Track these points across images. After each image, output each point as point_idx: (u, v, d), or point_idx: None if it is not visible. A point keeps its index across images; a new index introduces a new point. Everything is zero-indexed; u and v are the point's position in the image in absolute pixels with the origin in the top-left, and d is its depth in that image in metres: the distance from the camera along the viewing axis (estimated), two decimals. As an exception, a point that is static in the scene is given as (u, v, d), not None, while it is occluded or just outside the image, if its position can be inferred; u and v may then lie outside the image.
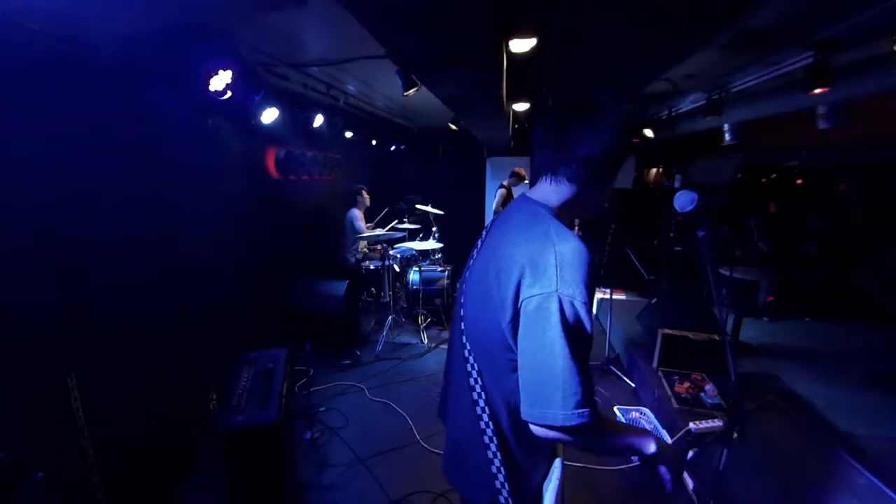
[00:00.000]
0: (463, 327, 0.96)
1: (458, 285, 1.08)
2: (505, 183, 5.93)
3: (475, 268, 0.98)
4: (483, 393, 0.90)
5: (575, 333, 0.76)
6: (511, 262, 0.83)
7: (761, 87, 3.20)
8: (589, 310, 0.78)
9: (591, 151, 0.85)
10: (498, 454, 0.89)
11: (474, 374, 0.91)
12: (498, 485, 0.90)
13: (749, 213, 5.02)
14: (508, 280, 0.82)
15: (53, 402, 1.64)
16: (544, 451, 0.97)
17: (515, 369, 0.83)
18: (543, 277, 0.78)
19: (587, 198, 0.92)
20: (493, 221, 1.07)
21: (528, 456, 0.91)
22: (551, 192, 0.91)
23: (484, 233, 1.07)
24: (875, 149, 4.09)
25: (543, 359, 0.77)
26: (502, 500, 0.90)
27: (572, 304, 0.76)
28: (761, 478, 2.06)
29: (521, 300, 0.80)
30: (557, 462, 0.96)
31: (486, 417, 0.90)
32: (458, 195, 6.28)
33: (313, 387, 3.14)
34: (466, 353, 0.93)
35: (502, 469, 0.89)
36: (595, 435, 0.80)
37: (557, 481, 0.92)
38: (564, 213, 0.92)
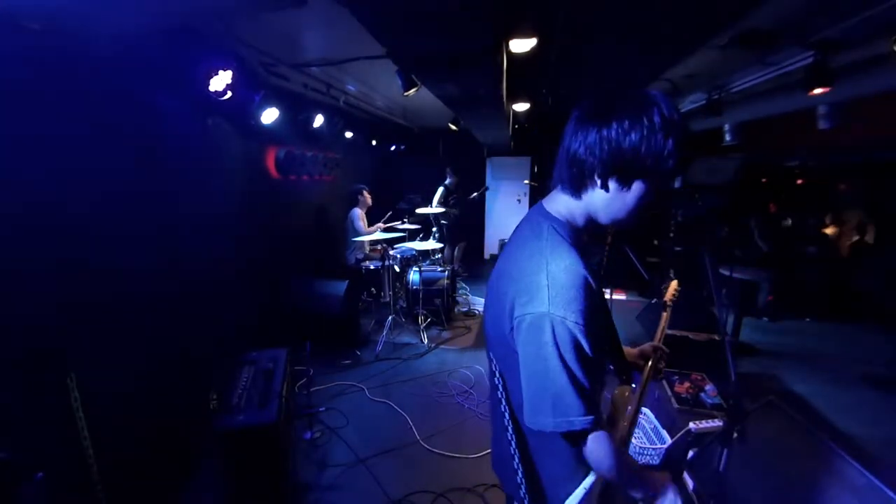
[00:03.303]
0: (486, 332, 1.02)
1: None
2: (447, 183, 5.88)
3: (492, 277, 1.02)
4: (504, 393, 0.94)
5: (569, 351, 0.77)
6: (509, 278, 0.87)
7: (761, 87, 3.21)
8: (584, 330, 0.77)
9: (598, 177, 0.82)
10: (517, 451, 0.93)
11: (497, 374, 0.96)
12: (518, 479, 0.94)
13: (749, 213, 5.02)
14: (506, 294, 0.86)
15: (53, 402, 1.63)
16: (563, 455, 0.93)
17: None
18: (536, 298, 0.79)
19: (598, 211, 0.88)
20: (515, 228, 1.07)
21: (546, 457, 0.94)
22: (561, 201, 0.92)
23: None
24: (875, 149, 4.09)
25: (537, 368, 0.79)
26: (522, 494, 0.94)
27: (564, 325, 0.76)
28: (761, 478, 2.06)
29: (514, 317, 0.83)
30: (592, 474, 0.95)
31: (507, 416, 0.94)
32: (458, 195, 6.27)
33: (313, 387, 3.14)
34: (491, 355, 0.98)
35: (521, 465, 0.93)
36: (600, 446, 0.81)
37: (584, 490, 0.91)
38: (578, 222, 0.90)
